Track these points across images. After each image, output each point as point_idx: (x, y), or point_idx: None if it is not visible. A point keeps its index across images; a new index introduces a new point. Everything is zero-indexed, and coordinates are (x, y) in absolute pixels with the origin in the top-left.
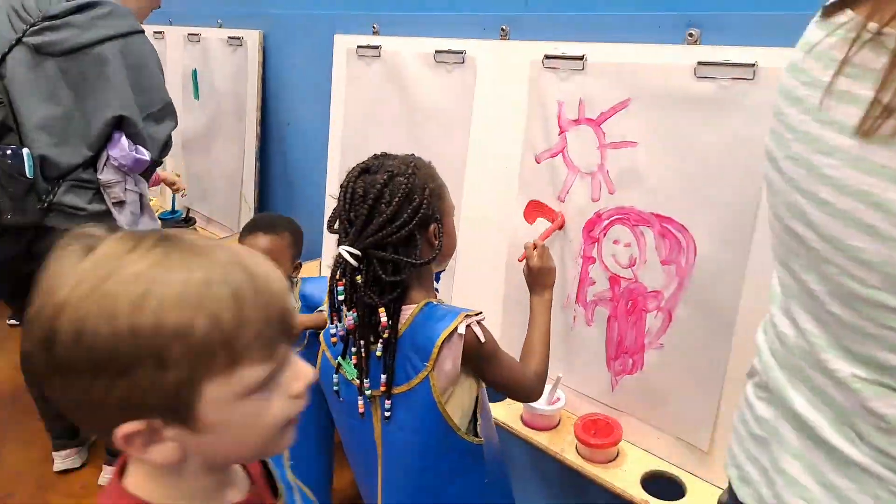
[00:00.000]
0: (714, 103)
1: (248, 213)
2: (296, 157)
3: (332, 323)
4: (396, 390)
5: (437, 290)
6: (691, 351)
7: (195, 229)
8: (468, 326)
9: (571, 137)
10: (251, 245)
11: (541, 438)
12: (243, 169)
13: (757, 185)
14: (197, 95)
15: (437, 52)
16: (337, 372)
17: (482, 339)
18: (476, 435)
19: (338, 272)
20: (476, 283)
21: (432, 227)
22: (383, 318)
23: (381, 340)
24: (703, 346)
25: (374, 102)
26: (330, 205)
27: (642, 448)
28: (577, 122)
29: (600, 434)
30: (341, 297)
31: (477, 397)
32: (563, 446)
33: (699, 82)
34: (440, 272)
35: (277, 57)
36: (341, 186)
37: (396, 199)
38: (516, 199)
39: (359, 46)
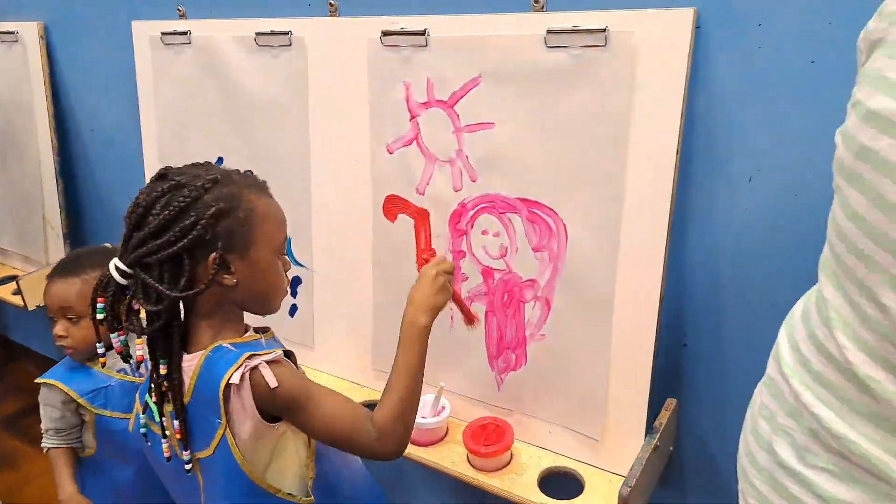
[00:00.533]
0: (568, 74)
1: (56, 241)
2: (106, 169)
3: (98, 341)
4: (205, 453)
5: (259, 330)
6: (573, 338)
7: None
8: (252, 370)
9: (423, 122)
10: (54, 293)
11: (429, 455)
12: (42, 189)
13: (620, 158)
14: None
15: (257, 34)
16: (143, 412)
17: (272, 385)
18: (307, 493)
19: (100, 286)
20: (339, 294)
21: (212, 256)
22: (139, 352)
23: (162, 379)
24: (584, 332)
25: (191, 98)
26: None
27: (536, 445)
28: (427, 104)
29: (490, 440)
30: (100, 317)
31: (310, 446)
32: (454, 459)
33: (550, 52)
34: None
35: (66, 52)
36: (140, 189)
37: (167, 211)
38: (372, 195)
39: (163, 33)
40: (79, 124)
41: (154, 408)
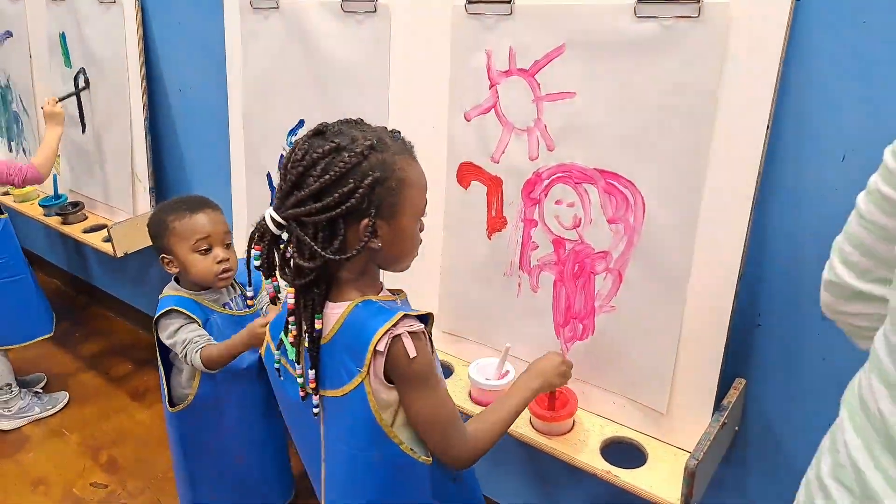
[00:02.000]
0: (656, 45)
1: (143, 195)
2: (192, 128)
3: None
4: (330, 393)
5: (392, 291)
6: (644, 311)
7: (84, 215)
8: (394, 336)
9: (503, 91)
10: (208, 220)
11: None
12: (132, 145)
13: (705, 131)
14: (68, 63)
15: (344, 0)
16: (278, 348)
17: (411, 354)
18: (427, 454)
19: (256, 234)
20: None
21: (364, 222)
22: (290, 301)
23: (306, 332)
24: (656, 306)
25: (277, 62)
26: (237, 181)
27: (598, 415)
28: (508, 73)
29: (554, 406)
30: (256, 263)
31: None
32: (518, 422)
33: (640, 23)
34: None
35: (159, 14)
36: (295, 141)
37: (328, 175)
38: (446, 162)
39: None
40: (167, 84)
41: (289, 346)
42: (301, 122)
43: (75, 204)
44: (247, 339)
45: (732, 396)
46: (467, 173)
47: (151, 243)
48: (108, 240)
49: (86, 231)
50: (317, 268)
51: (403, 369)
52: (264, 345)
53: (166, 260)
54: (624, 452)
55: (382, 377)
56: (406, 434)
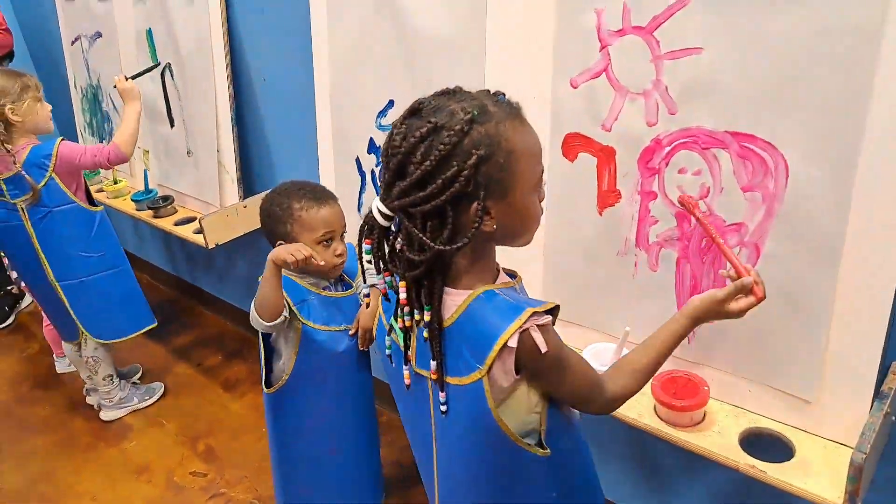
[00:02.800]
0: None
1: (230, 186)
2: (278, 117)
3: (364, 281)
4: (452, 380)
5: (507, 273)
6: (787, 290)
7: (174, 208)
8: (524, 332)
9: (616, 52)
10: (334, 214)
11: None
12: (218, 136)
13: (863, 79)
14: (155, 59)
15: None
16: (388, 334)
17: (542, 349)
18: (542, 446)
19: (366, 227)
20: None
21: (473, 206)
22: (402, 296)
23: (424, 325)
24: (802, 284)
25: (365, 38)
26: (325, 167)
27: (732, 404)
28: (621, 32)
29: (681, 394)
30: (367, 258)
31: (543, 405)
32: (640, 410)
33: None
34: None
35: (242, 3)
36: (392, 124)
37: (428, 162)
38: (550, 134)
39: None
40: (252, 73)
41: (400, 333)
42: (391, 103)
43: (165, 198)
44: (273, 254)
45: (893, 382)
46: (574, 145)
47: (264, 227)
48: (200, 231)
49: (177, 224)
50: (427, 260)
51: (536, 363)
52: (374, 330)
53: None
54: (764, 445)
55: (512, 369)
56: (514, 420)
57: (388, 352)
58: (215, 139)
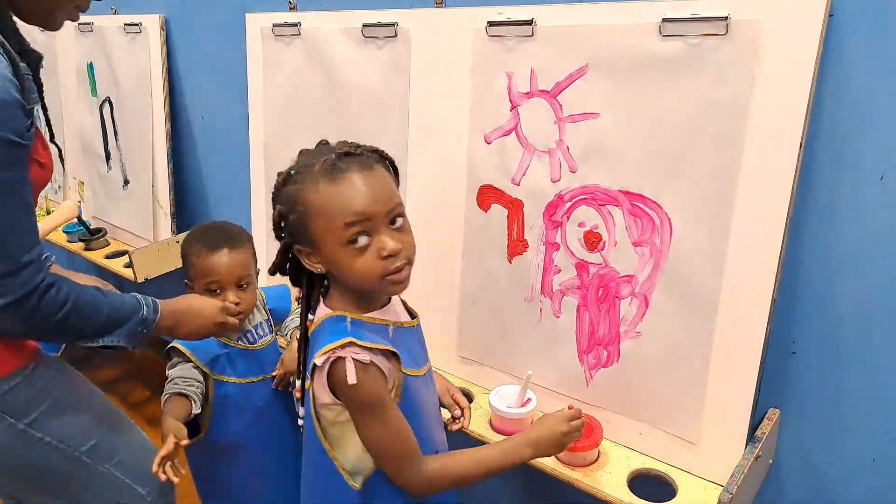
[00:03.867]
0: (683, 64)
1: (164, 221)
2: (213, 155)
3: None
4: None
5: (408, 310)
6: (672, 338)
7: (106, 241)
8: (337, 358)
9: (524, 112)
10: (222, 263)
11: None
12: (154, 171)
13: (735, 151)
14: (94, 92)
15: (364, 26)
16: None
17: (350, 381)
18: (362, 483)
19: None
20: (428, 282)
21: (296, 248)
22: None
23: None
24: (684, 332)
25: (297, 88)
26: (256, 205)
27: (624, 445)
28: (529, 94)
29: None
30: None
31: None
32: None
33: (665, 41)
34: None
35: (183, 43)
36: None
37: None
38: (466, 185)
39: (274, 25)
40: (190, 111)
41: None
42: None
43: (98, 230)
44: (164, 429)
45: (766, 427)
46: (488, 196)
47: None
48: (129, 265)
49: (108, 257)
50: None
51: (343, 392)
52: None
53: (188, 287)
54: (652, 485)
55: (327, 390)
56: (343, 451)
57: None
58: (151, 174)
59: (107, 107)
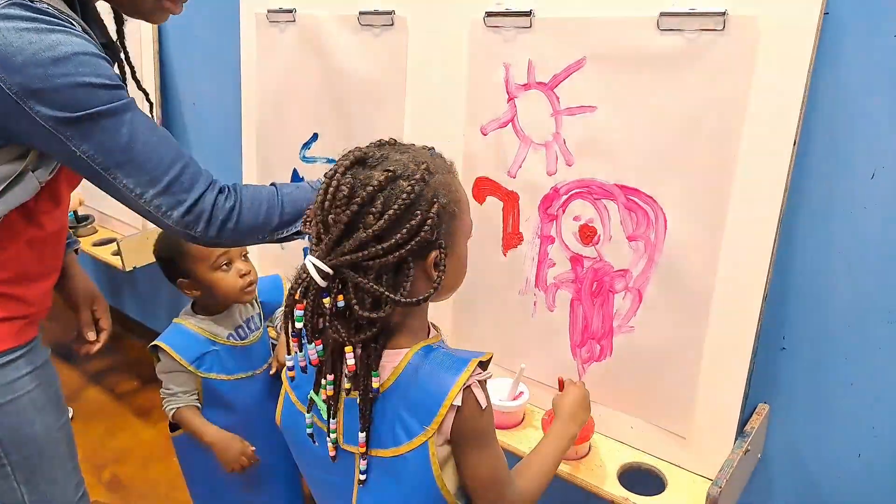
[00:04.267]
0: (680, 59)
1: None
2: (205, 142)
3: (289, 353)
4: (379, 453)
5: (434, 326)
6: (664, 333)
7: (94, 228)
8: (467, 388)
9: (521, 105)
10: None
11: (505, 437)
12: None
13: (730, 147)
14: None
15: (361, 13)
16: (309, 410)
17: (482, 405)
18: None
19: (298, 290)
20: None
21: (433, 254)
22: (350, 361)
23: (359, 389)
24: (677, 327)
25: (292, 75)
26: None
27: (615, 439)
28: (526, 86)
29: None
30: (299, 325)
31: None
32: (531, 444)
33: (663, 36)
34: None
35: (175, 27)
36: (325, 176)
37: (391, 211)
38: (462, 177)
39: (269, 11)
40: (182, 98)
41: (322, 406)
42: (315, 136)
43: (85, 217)
44: (217, 440)
45: (756, 422)
46: (483, 188)
47: (163, 269)
48: (118, 253)
49: (95, 244)
50: (383, 318)
51: (473, 423)
52: (280, 407)
53: (185, 284)
54: (642, 479)
55: (448, 431)
56: (453, 491)
57: (308, 431)
58: None
59: None
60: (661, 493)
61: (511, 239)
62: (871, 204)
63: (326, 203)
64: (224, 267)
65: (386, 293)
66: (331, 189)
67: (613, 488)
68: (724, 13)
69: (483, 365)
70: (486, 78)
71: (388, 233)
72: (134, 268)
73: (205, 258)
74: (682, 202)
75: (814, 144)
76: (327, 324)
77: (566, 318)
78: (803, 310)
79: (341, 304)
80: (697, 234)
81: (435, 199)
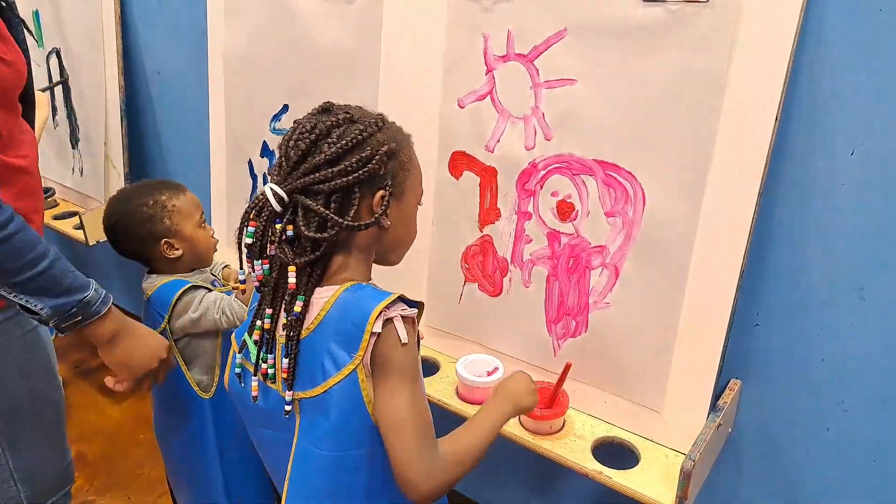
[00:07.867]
0: (663, 31)
1: (117, 181)
2: (170, 113)
3: (241, 268)
4: (309, 393)
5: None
6: (640, 309)
7: (55, 201)
8: (388, 319)
9: (500, 77)
10: (194, 198)
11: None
12: (107, 129)
13: (711, 123)
14: (41, 43)
15: None
16: (240, 351)
17: (402, 340)
18: None
19: (252, 211)
20: None
21: (379, 193)
22: (291, 280)
23: (291, 319)
24: (653, 304)
25: (260, 44)
26: (217, 168)
27: (589, 414)
28: (505, 58)
29: (545, 404)
30: (248, 240)
31: None
32: None
33: (645, 7)
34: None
35: None
36: (296, 121)
37: (344, 141)
38: (437, 151)
39: None
40: (146, 66)
41: (253, 347)
42: (285, 108)
43: (46, 189)
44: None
45: (728, 397)
46: (460, 163)
47: (133, 234)
48: (80, 227)
49: (56, 218)
50: (328, 239)
51: (390, 355)
52: (228, 369)
53: (167, 244)
54: (616, 453)
55: (369, 364)
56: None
57: (237, 370)
58: (104, 132)
59: (54, 59)
60: (634, 466)
61: (489, 214)
62: (849, 181)
63: (291, 137)
64: (203, 226)
65: (331, 215)
66: (294, 128)
67: (587, 462)
68: None
69: (412, 306)
70: (464, 49)
71: (339, 159)
72: (97, 242)
73: (191, 216)
74: (661, 177)
75: (795, 120)
76: (276, 251)
77: (542, 295)
78: (778, 286)
79: (290, 233)
80: (675, 209)
81: (386, 143)
